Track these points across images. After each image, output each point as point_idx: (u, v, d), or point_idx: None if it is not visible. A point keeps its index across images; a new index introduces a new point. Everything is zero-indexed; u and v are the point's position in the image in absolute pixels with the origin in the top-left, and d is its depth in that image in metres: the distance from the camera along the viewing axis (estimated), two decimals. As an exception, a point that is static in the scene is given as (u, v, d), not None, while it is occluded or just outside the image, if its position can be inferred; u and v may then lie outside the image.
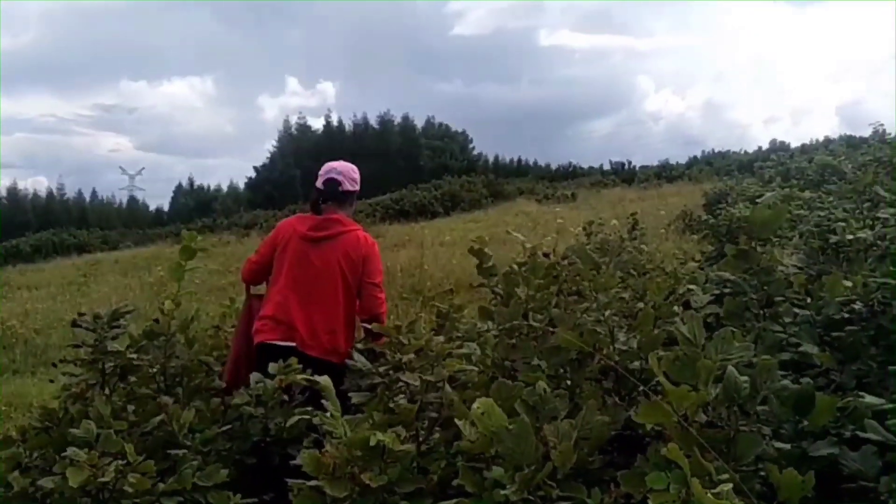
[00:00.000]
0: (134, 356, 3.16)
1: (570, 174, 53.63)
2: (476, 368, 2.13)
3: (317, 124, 77.62)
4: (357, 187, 4.24)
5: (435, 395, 1.93)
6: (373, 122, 75.86)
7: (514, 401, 1.75)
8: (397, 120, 75.58)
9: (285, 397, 2.81)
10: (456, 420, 1.67)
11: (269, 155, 72.19)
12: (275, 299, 3.93)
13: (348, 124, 76.42)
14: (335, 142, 72.11)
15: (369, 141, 71.45)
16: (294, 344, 3.73)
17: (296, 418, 2.12)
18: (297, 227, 4.07)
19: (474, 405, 1.61)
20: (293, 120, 77.34)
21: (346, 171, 4.19)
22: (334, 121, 76.66)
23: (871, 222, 2.84)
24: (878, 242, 2.57)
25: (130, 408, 2.80)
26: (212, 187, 71.43)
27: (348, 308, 3.94)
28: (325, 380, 1.68)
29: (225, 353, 4.01)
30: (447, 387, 1.85)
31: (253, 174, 68.80)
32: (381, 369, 2.06)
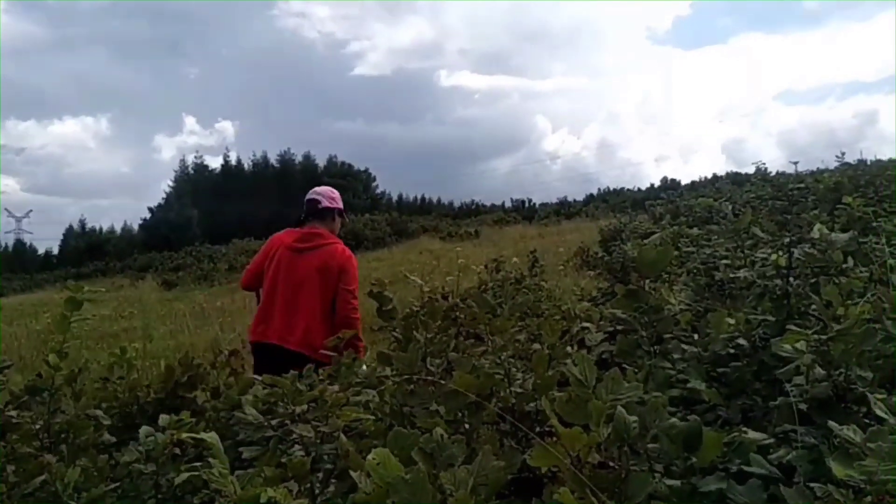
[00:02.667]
0: (14, 413, 2.97)
1: (472, 212, 54.43)
2: (372, 417, 2.10)
3: (215, 164, 76.34)
4: (336, 205, 4.87)
5: (330, 446, 1.90)
6: (273, 161, 75.21)
7: (411, 449, 1.73)
8: (298, 159, 75.17)
9: (177, 451, 2.71)
10: (351, 472, 1.64)
11: (164, 195, 70.20)
12: (263, 303, 4.65)
13: (248, 163, 75.45)
14: (234, 181, 71.04)
15: (269, 180, 70.71)
16: (279, 342, 4.43)
17: (184, 475, 2.03)
18: (285, 240, 4.70)
19: (370, 455, 1.58)
20: (190, 159, 75.72)
21: (324, 192, 4.91)
22: (233, 160, 75.48)
23: (750, 261, 2.98)
24: (758, 281, 2.70)
25: (10, 468, 2.63)
26: (104, 229, 68.59)
27: (325, 310, 4.52)
28: (210, 436, 1.62)
29: (115, 404, 3.85)
30: (343, 437, 1.82)
31: (148, 215, 66.53)
32: (274, 421, 2.00)
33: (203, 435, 1.82)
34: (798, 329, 2.22)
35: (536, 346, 2.54)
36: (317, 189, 4.98)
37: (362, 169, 75.85)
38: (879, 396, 1.65)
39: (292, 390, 2.07)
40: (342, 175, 71.73)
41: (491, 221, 34.63)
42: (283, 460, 1.92)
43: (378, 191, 75.51)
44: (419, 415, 2.08)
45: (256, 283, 4.84)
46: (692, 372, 2.38)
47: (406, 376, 2.23)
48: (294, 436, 1.96)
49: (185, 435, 2.17)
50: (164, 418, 2.80)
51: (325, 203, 4.81)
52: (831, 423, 1.50)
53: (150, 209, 67.08)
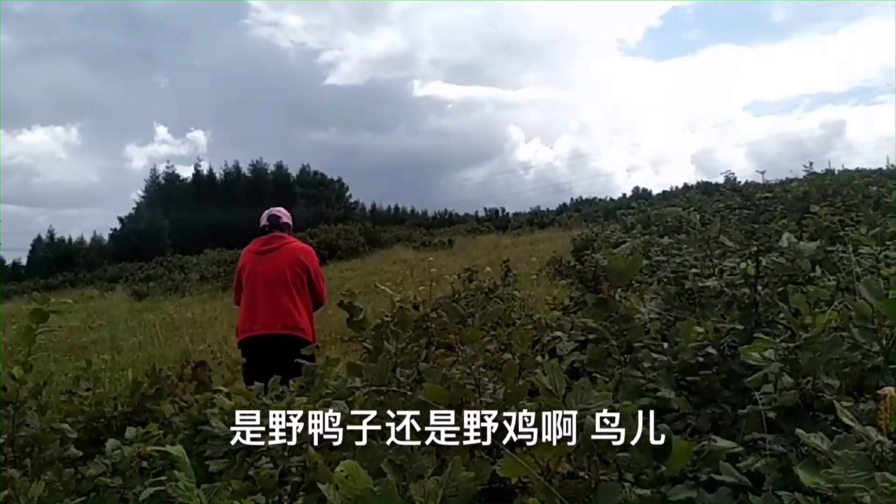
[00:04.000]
0: (-25, 428, 2.91)
1: (446, 221, 54.44)
2: (341, 429, 2.08)
3: (186, 173, 75.57)
4: (291, 222, 5.73)
5: (298, 458, 1.87)
6: (245, 170, 74.64)
7: (381, 461, 1.71)
8: (271, 168, 74.70)
9: (144, 465, 2.66)
10: (319, 484, 1.62)
11: (135, 205, 69.32)
12: (245, 305, 5.30)
13: (219, 173, 74.79)
14: (206, 191, 70.41)
15: (241, 190, 70.16)
16: (262, 333, 5.07)
17: (150, 489, 1.99)
18: (251, 249, 5.50)
19: (339, 467, 1.56)
20: (161, 169, 74.98)
21: (283, 212, 5.72)
22: (204, 169, 74.83)
23: (719, 270, 3.00)
24: (726, 289, 2.72)
25: (-28, 484, 2.56)
26: (74, 239, 67.41)
27: (301, 296, 5.25)
28: (177, 449, 1.60)
29: (81, 418, 3.78)
30: (311, 449, 1.79)
31: (118, 225, 65.56)
32: (242, 434, 1.97)
33: (169, 448, 1.79)
34: (766, 337, 2.23)
35: (507, 355, 2.54)
36: (274, 209, 5.77)
37: (335, 178, 75.56)
38: (846, 404, 1.67)
39: (259, 403, 2.04)
40: (315, 185, 71.46)
41: (464, 231, 34.67)
42: (251, 473, 1.89)
43: (351, 200, 75.16)
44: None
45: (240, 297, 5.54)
46: (662, 380, 2.39)
47: (376, 387, 2.21)
48: (261, 448, 1.93)
49: (150, 448, 2.12)
50: (130, 431, 2.76)
51: (284, 219, 5.66)
52: (799, 432, 1.51)
53: (120, 219, 66.01)
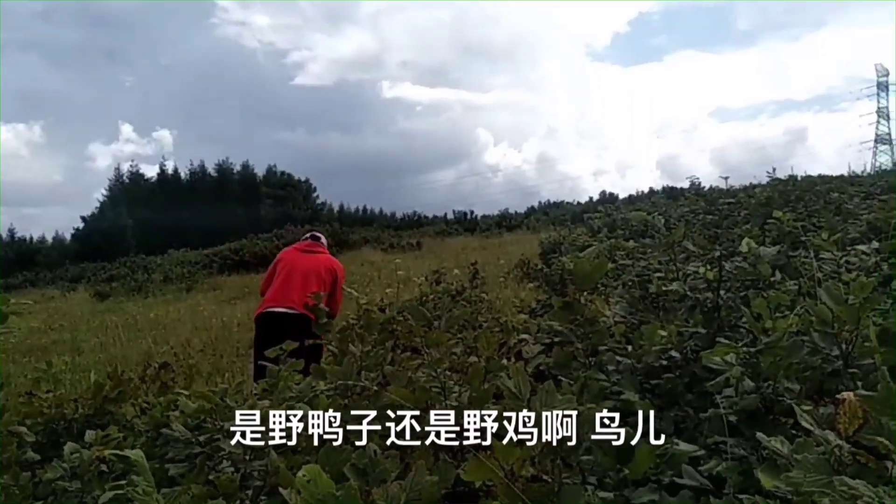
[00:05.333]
0: (-71, 431, 2.83)
1: (415, 223, 54.29)
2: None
3: (151, 172, 74.55)
4: (326, 245, 6.63)
5: (260, 462, 1.85)
6: (211, 170, 73.90)
7: (343, 465, 1.70)
8: (237, 168, 74.03)
9: (104, 468, 2.61)
10: (281, 489, 1.60)
11: (98, 204, 68.19)
12: (278, 286, 5.95)
13: (184, 172, 73.93)
14: (170, 191, 69.60)
15: (207, 189, 69.49)
16: (285, 309, 5.70)
17: (109, 494, 1.95)
18: (295, 246, 6.43)
19: (300, 472, 1.54)
20: (125, 168, 73.89)
21: (322, 235, 6.74)
22: (169, 169, 73.92)
23: (683, 275, 3.02)
24: (689, 294, 2.74)
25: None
26: (35, 238, 66.06)
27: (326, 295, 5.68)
28: (135, 453, 1.57)
29: (40, 420, 3.70)
30: (273, 453, 1.77)
31: (81, 224, 64.45)
32: (202, 437, 1.94)
33: (127, 452, 1.76)
34: (727, 342, 2.26)
35: (473, 358, 2.53)
36: (313, 230, 7.04)
37: (302, 179, 75.04)
38: (806, 408, 1.68)
39: (222, 405, 2.01)
40: (281, 185, 70.88)
41: (433, 233, 34.62)
42: (212, 477, 1.86)
43: (319, 201, 74.67)
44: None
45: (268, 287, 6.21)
46: (626, 383, 2.40)
47: (341, 390, 2.19)
48: (223, 452, 1.91)
49: (107, 452, 2.08)
50: (90, 434, 2.70)
51: (323, 241, 6.55)
52: (759, 435, 1.52)
53: (83, 218, 64.86)
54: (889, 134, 60.23)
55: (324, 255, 6.31)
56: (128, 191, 69.76)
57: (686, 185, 22.77)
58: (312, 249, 6.33)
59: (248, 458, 1.87)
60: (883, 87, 61.85)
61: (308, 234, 6.68)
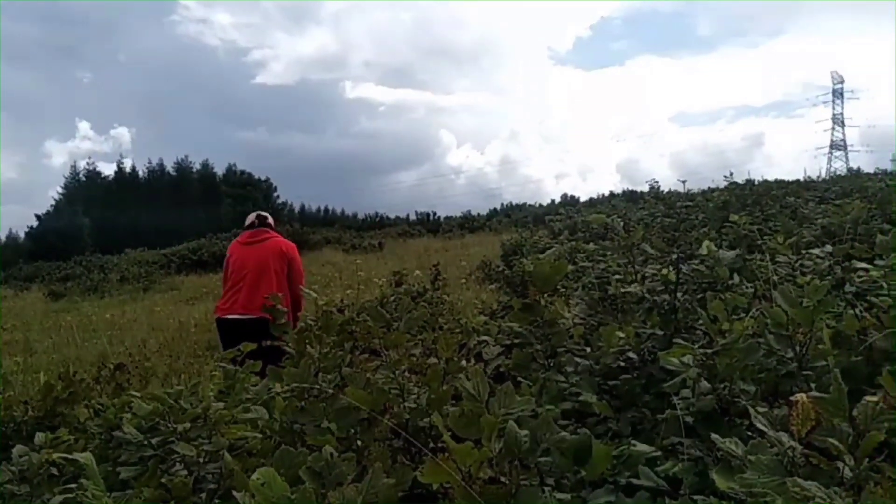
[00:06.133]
0: None
1: (377, 224, 54.13)
2: (259, 435, 2.03)
3: (108, 170, 73.34)
4: (273, 222, 6.33)
5: (214, 465, 1.81)
6: (170, 168, 72.99)
7: (299, 467, 1.67)
8: (196, 167, 73.23)
9: (54, 472, 2.55)
10: (235, 492, 1.57)
11: (54, 203, 66.83)
12: (229, 288, 5.81)
13: (143, 171, 72.88)
14: (128, 189, 68.58)
15: (166, 188, 68.63)
16: (238, 315, 5.53)
17: (59, 497, 1.90)
18: (239, 240, 6.14)
19: (255, 475, 1.52)
20: (82, 166, 72.54)
21: (267, 213, 6.38)
22: (127, 167, 72.77)
23: (641, 277, 3.04)
24: (647, 295, 2.76)
25: None
26: (-14, 237, 64.46)
27: (280, 285, 5.69)
28: (85, 456, 1.53)
29: (-11, 424, 3.61)
30: (228, 456, 1.74)
31: (35, 223, 63.07)
32: (155, 440, 1.90)
33: (76, 455, 1.72)
34: (684, 343, 2.27)
35: (433, 360, 2.52)
36: (261, 211, 6.46)
37: (263, 178, 74.40)
38: (761, 409, 1.70)
39: (176, 408, 1.97)
40: (241, 184, 70.16)
41: (395, 234, 34.54)
42: (164, 480, 1.82)
43: (279, 201, 74.04)
44: (309, 432, 2.02)
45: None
46: (584, 385, 2.41)
47: (297, 392, 2.16)
48: (176, 455, 1.87)
49: (56, 455, 2.03)
50: (40, 437, 2.64)
51: (270, 220, 6.28)
52: (714, 437, 1.53)
53: (37, 216, 63.48)
54: (844, 140, 61.69)
55: (271, 241, 6.01)
56: (84, 189, 68.64)
57: (646, 188, 23.03)
58: (257, 238, 6.03)
59: (201, 460, 1.83)
60: (838, 94, 63.34)
61: (252, 219, 6.31)
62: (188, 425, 1.92)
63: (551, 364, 2.61)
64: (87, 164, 72.97)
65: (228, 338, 5.56)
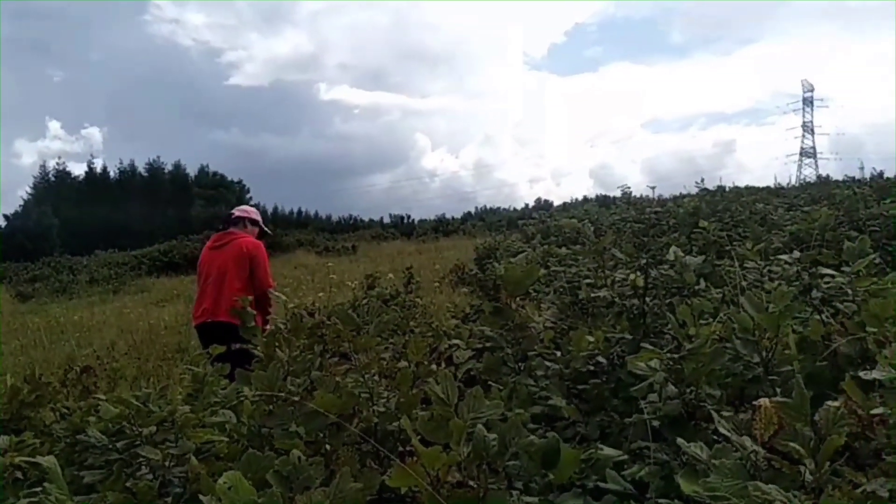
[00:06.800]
0: None
1: (350, 227, 54.01)
2: (226, 438, 2.01)
3: (79, 170, 72.40)
4: (247, 215, 6.31)
5: (180, 469, 1.80)
6: (141, 169, 72.26)
7: (266, 472, 1.66)
8: (168, 168, 72.58)
9: (19, 475, 2.50)
10: (201, 496, 1.56)
11: (22, 203, 65.86)
12: (198, 295, 5.97)
13: (114, 171, 72.04)
14: (99, 189, 67.75)
15: (137, 189, 67.90)
16: (208, 320, 5.66)
17: (24, 502, 1.87)
18: (207, 245, 6.21)
19: (221, 479, 1.51)
20: (51, 165, 71.56)
21: (241, 207, 6.46)
22: (98, 167, 71.89)
23: (611, 281, 3.07)
24: (617, 300, 2.78)
25: None
26: (-48, 237, 63.36)
27: (244, 288, 5.67)
28: (48, 460, 1.51)
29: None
30: (194, 459, 1.72)
31: (3, 223, 62.08)
32: (120, 444, 1.88)
33: (40, 458, 1.69)
34: (652, 347, 2.29)
35: (403, 363, 2.52)
36: (237, 207, 6.48)
37: (236, 180, 73.90)
38: (726, 414, 1.72)
39: (142, 410, 1.95)
40: (213, 186, 69.61)
41: (369, 237, 34.50)
42: (129, 485, 1.80)
43: (252, 202, 73.31)
44: (277, 436, 2.01)
45: None
46: (554, 389, 2.42)
47: (265, 396, 2.15)
48: (141, 458, 1.85)
49: (20, 458, 2.00)
50: (4, 440, 2.59)
51: (237, 213, 6.28)
52: (680, 441, 1.54)
53: (6, 217, 62.49)
54: (813, 147, 62.57)
55: (234, 243, 5.94)
56: (54, 189, 67.72)
57: (619, 193, 23.19)
58: (222, 242, 6.02)
59: (167, 464, 1.81)
60: (808, 102, 64.23)
61: (223, 220, 6.37)
62: (154, 429, 1.90)
63: (522, 368, 2.62)
64: (57, 163, 72.07)
65: (204, 343, 5.55)
